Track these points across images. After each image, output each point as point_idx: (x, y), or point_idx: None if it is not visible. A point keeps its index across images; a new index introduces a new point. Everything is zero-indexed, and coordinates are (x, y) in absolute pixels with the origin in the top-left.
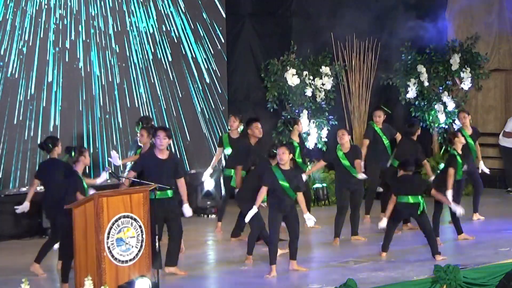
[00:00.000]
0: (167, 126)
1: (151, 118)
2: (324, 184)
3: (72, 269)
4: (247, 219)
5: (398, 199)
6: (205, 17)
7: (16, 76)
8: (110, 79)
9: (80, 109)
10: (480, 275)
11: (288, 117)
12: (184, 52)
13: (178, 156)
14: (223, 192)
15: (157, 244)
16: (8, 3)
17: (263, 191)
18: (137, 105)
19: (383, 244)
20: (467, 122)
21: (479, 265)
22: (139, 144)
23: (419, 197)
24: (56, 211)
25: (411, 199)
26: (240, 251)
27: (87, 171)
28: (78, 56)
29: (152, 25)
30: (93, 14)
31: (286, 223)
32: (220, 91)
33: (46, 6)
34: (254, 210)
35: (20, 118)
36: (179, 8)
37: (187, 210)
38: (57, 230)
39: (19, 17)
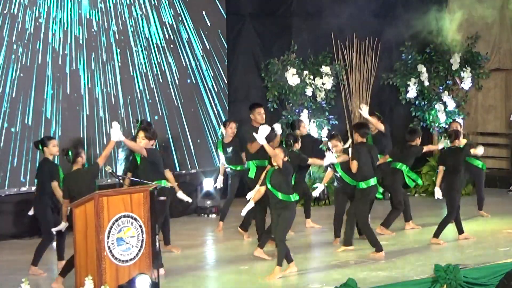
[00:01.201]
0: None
1: (150, 123)
2: (325, 184)
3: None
4: (243, 212)
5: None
6: (205, 17)
7: (17, 77)
8: (110, 77)
9: (81, 109)
10: (481, 275)
11: (291, 118)
12: (184, 52)
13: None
14: (226, 191)
15: (157, 244)
16: (4, 15)
17: (261, 189)
18: (136, 105)
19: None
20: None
21: (479, 264)
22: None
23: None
24: (45, 209)
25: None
26: (240, 250)
27: None
28: (79, 59)
29: (152, 25)
30: (91, 16)
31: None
32: (220, 91)
33: (44, 19)
34: (250, 204)
35: (20, 118)
36: (178, 8)
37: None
38: (48, 230)
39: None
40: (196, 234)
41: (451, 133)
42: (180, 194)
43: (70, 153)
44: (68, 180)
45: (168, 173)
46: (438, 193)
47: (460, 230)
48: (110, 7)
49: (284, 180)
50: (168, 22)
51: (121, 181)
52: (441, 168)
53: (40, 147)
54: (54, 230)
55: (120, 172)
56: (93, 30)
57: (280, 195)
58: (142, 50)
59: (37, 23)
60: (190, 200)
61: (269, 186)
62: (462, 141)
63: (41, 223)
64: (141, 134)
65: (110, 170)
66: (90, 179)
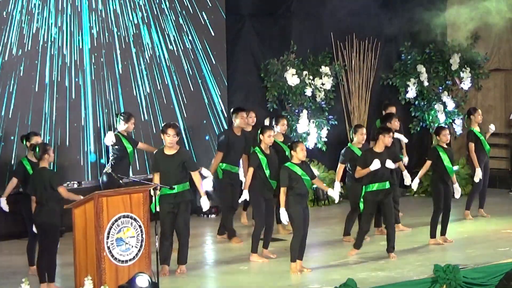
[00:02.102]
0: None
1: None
2: (324, 184)
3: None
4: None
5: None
6: (205, 17)
7: (17, 83)
8: (112, 80)
9: (82, 110)
10: (480, 275)
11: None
12: (183, 52)
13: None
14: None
15: (157, 243)
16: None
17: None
18: (137, 105)
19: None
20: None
21: (479, 265)
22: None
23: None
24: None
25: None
26: (239, 251)
27: (89, 172)
28: (83, 62)
29: (151, 25)
30: (92, 18)
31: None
32: (220, 91)
33: (46, 25)
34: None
35: (19, 121)
36: (178, 8)
37: (204, 203)
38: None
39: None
40: (196, 235)
41: (436, 131)
42: (204, 171)
43: (37, 149)
44: (33, 177)
45: None
46: (408, 179)
47: (440, 233)
48: (109, 9)
49: None
50: (167, 23)
51: (120, 181)
52: (428, 163)
53: (24, 142)
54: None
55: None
56: (91, 28)
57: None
58: (139, 49)
59: (36, 31)
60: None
61: (308, 180)
62: (442, 139)
63: (27, 221)
64: (172, 131)
65: (110, 171)
66: (46, 182)
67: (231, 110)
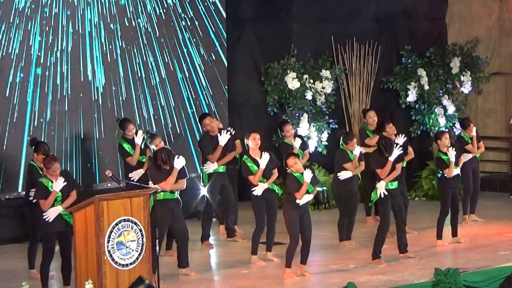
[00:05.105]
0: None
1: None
2: (325, 188)
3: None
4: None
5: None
6: (205, 20)
7: (24, 82)
8: (111, 82)
9: (84, 112)
10: (481, 279)
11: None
12: (184, 56)
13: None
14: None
15: (157, 248)
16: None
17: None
18: (136, 109)
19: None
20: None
21: (479, 268)
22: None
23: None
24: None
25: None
26: (240, 255)
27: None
28: (79, 55)
29: (152, 28)
30: (96, 20)
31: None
32: (220, 95)
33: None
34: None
35: (20, 123)
36: (178, 12)
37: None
38: (34, 232)
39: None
40: (196, 238)
41: (437, 136)
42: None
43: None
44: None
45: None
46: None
47: (439, 235)
48: (112, 9)
49: None
50: (168, 25)
51: (120, 184)
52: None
53: (33, 149)
54: None
55: None
56: (93, 30)
57: None
58: (140, 52)
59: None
60: None
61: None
62: (444, 143)
63: (30, 225)
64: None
65: (110, 174)
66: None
67: (199, 117)
